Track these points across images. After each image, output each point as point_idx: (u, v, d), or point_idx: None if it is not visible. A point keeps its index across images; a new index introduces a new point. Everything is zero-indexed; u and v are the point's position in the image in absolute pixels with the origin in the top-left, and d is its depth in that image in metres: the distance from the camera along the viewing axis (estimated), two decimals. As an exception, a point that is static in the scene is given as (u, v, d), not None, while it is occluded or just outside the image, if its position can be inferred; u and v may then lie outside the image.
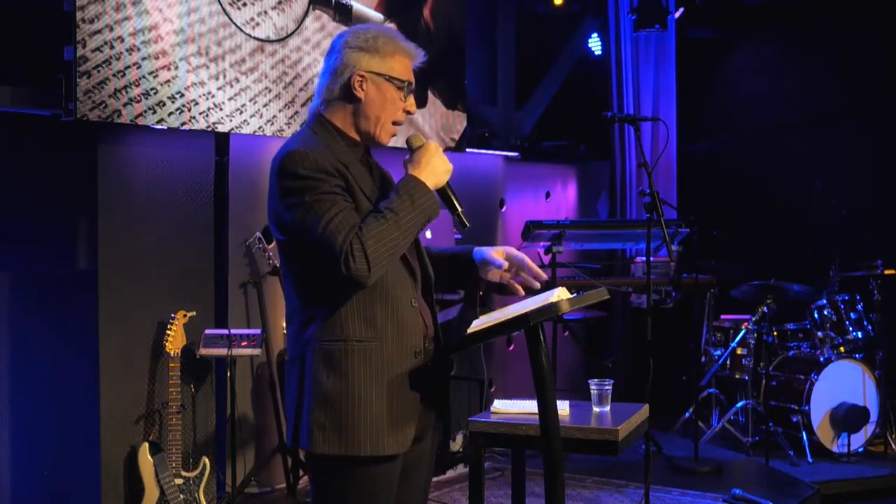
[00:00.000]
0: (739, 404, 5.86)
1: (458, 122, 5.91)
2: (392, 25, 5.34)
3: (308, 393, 2.26)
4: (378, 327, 2.27)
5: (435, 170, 2.34)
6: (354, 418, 2.23)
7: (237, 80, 4.64)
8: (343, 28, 5.15)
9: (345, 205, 2.20)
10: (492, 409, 3.01)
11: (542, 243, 5.72)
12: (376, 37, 2.35)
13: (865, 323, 5.77)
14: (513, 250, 2.52)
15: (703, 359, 6.15)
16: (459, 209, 2.42)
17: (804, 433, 5.51)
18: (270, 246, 4.72)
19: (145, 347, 4.41)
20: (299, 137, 2.32)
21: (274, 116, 4.82)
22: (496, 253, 2.51)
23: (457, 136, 5.92)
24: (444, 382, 2.45)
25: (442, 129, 5.80)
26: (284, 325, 4.92)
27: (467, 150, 6.05)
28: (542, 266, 5.62)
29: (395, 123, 2.38)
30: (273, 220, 2.30)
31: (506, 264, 2.49)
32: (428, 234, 2.46)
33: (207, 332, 4.49)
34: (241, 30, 4.67)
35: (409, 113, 2.40)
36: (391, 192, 2.29)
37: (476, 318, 2.45)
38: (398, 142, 2.59)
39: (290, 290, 2.34)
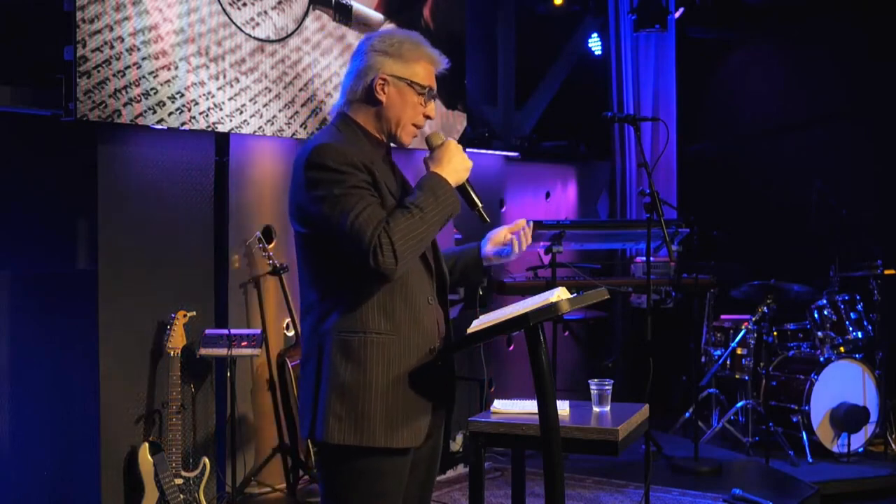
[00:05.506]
0: (739, 404, 5.86)
1: (458, 122, 5.90)
2: (391, 25, 5.34)
3: (325, 383, 2.29)
4: (397, 321, 2.31)
5: (456, 167, 2.42)
6: (370, 409, 2.27)
7: (237, 80, 4.64)
8: (343, 28, 5.16)
9: (372, 199, 2.25)
10: (492, 409, 3.01)
11: (542, 243, 5.72)
12: (402, 42, 2.40)
13: (865, 323, 5.77)
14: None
15: (703, 359, 6.15)
16: (479, 205, 2.51)
17: (804, 433, 5.51)
18: (270, 246, 4.72)
19: (145, 347, 4.40)
20: (325, 134, 2.37)
21: (274, 116, 4.82)
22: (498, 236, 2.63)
23: (457, 137, 5.91)
24: (452, 383, 2.47)
25: (442, 129, 5.76)
26: (286, 323, 4.94)
27: (467, 150, 6.02)
28: (541, 266, 5.68)
29: (414, 125, 2.44)
30: (295, 212, 2.34)
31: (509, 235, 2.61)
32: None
33: (207, 332, 4.49)
34: (241, 30, 4.67)
35: (428, 118, 2.46)
36: (415, 189, 2.35)
37: (476, 318, 2.46)
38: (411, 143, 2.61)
39: (308, 283, 2.36)
